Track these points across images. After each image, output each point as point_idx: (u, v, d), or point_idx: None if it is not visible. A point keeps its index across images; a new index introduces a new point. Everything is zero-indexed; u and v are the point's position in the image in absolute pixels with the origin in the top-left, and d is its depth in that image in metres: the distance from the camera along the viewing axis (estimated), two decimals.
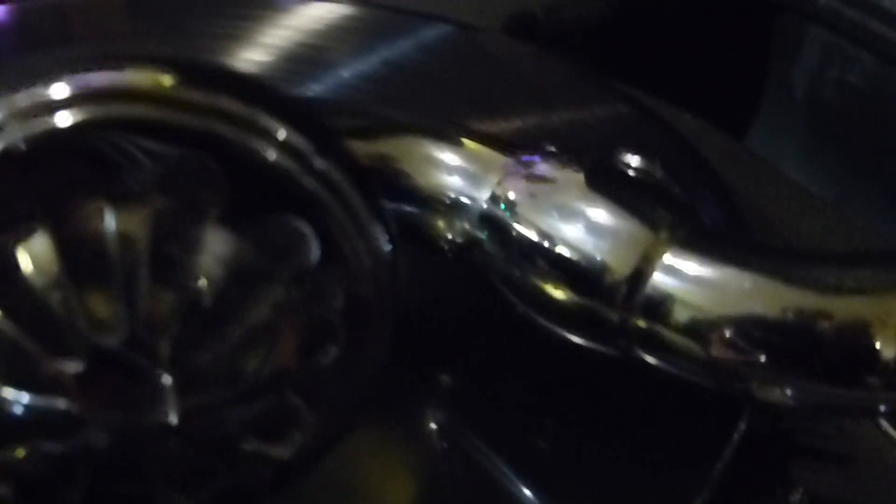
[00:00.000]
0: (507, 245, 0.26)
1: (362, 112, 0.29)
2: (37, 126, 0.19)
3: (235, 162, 0.19)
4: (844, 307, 0.24)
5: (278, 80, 0.38)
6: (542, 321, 0.26)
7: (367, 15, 0.44)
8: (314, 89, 0.38)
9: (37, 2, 0.44)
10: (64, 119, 0.19)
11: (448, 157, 0.28)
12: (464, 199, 0.27)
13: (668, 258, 0.25)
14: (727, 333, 0.24)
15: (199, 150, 0.19)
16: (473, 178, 0.27)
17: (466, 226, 0.27)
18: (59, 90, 0.19)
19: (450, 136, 0.28)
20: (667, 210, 0.25)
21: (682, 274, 0.25)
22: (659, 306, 0.25)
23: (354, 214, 0.21)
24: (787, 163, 0.56)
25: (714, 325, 0.24)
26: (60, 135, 0.19)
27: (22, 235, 0.19)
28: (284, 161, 0.20)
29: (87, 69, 0.19)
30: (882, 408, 0.24)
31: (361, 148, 0.28)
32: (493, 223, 0.27)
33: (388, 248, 0.21)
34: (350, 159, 0.21)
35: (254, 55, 0.39)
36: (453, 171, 0.28)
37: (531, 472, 0.28)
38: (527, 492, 0.28)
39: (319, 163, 0.20)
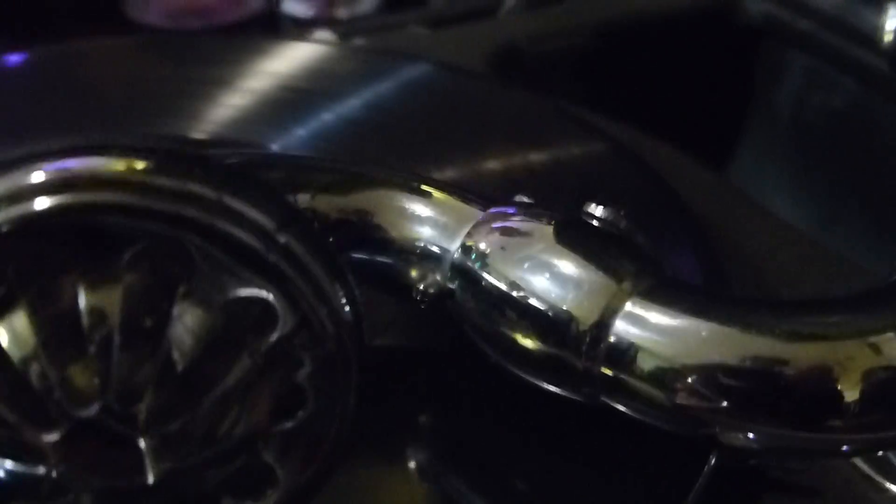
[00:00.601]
0: (478, 295, 0.27)
1: (335, 168, 0.29)
2: (19, 210, 0.20)
3: (204, 241, 0.20)
4: (804, 353, 0.24)
5: (261, 124, 0.39)
6: (512, 369, 0.27)
7: (349, 55, 0.45)
8: (296, 134, 0.39)
9: (51, 47, 0.45)
10: (43, 203, 0.20)
11: (420, 209, 0.29)
12: (436, 250, 0.28)
13: (631, 308, 0.26)
14: (690, 381, 0.25)
15: (169, 232, 0.20)
16: (445, 230, 0.28)
17: (438, 277, 0.28)
18: (39, 177, 0.20)
19: (421, 189, 0.29)
20: (630, 261, 0.26)
21: (644, 323, 0.25)
22: (622, 355, 0.25)
23: (316, 283, 0.22)
24: (772, 187, 0.57)
25: (677, 373, 0.25)
26: (39, 218, 0.20)
27: (1, 311, 0.20)
28: (249, 239, 0.21)
29: (65, 157, 0.20)
30: (845, 448, 0.25)
31: (335, 202, 0.29)
32: (464, 274, 0.28)
33: (350, 311, 0.22)
34: (310, 231, 0.22)
35: (238, 100, 0.40)
36: (425, 222, 0.29)
37: None
38: None
39: (282, 238, 0.21)
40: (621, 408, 0.26)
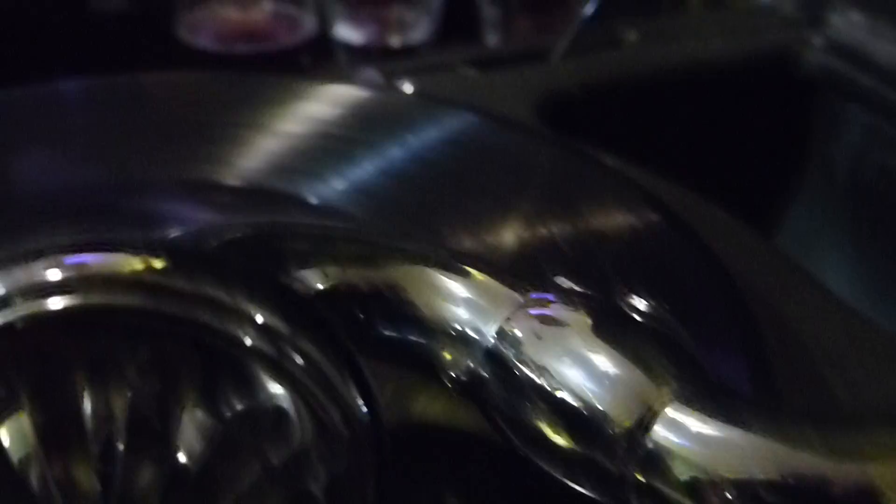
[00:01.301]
0: (510, 384, 0.26)
1: (369, 240, 0.29)
2: (32, 307, 0.19)
3: (215, 346, 0.19)
4: (849, 473, 0.23)
5: (300, 173, 0.39)
6: (541, 464, 0.26)
7: (395, 103, 0.44)
8: (335, 186, 0.38)
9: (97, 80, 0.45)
10: (56, 303, 0.19)
11: (456, 288, 0.28)
12: (470, 334, 0.27)
13: (671, 414, 0.24)
14: (727, 494, 0.24)
15: (181, 335, 0.19)
16: (481, 313, 0.27)
17: (471, 363, 0.27)
18: (54, 274, 0.19)
19: (459, 268, 0.28)
20: (672, 363, 0.25)
21: (684, 431, 0.24)
22: (659, 462, 0.24)
23: (331, 388, 0.21)
24: (825, 250, 0.55)
25: (715, 485, 0.24)
26: (53, 318, 0.19)
27: (4, 412, 0.19)
28: (260, 343, 0.20)
29: (80, 252, 0.19)
30: None
31: (367, 275, 0.28)
32: (497, 361, 0.27)
33: (367, 414, 0.21)
34: (325, 332, 0.21)
35: (276, 146, 0.40)
36: (461, 303, 0.28)
37: None
38: None
39: (295, 343, 0.20)
40: None
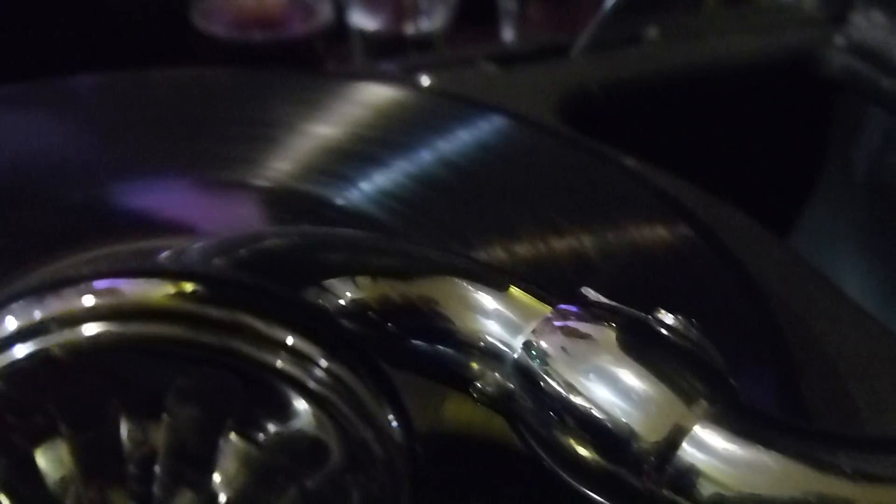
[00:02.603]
0: (537, 399, 0.26)
1: (400, 250, 0.29)
2: (69, 336, 0.19)
3: (250, 372, 0.20)
4: (874, 497, 0.23)
5: (328, 175, 0.39)
6: (567, 478, 0.26)
7: (423, 102, 0.44)
8: (363, 188, 0.38)
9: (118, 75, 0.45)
10: (91, 330, 0.19)
11: (486, 300, 0.28)
12: (499, 346, 0.27)
13: (699, 432, 0.25)
14: None
15: (217, 363, 0.19)
16: (510, 326, 0.27)
17: (499, 376, 0.27)
18: (89, 300, 0.20)
19: (488, 279, 0.28)
20: (701, 381, 0.25)
21: (711, 450, 0.24)
22: (686, 481, 0.24)
23: (362, 408, 0.21)
24: (842, 250, 0.55)
25: None
26: (85, 345, 0.19)
27: (42, 437, 0.20)
28: (293, 369, 0.20)
29: (116, 278, 0.20)
30: None
31: (398, 287, 0.28)
32: (524, 373, 0.27)
33: (400, 432, 0.22)
34: (360, 353, 0.21)
35: (304, 146, 0.40)
36: (490, 315, 0.28)
37: None
38: None
39: (327, 365, 0.20)
40: None
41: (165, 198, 0.37)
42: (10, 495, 0.20)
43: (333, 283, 0.27)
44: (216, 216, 0.36)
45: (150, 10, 0.72)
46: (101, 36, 0.68)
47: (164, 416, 0.20)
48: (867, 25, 0.55)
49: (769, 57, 0.56)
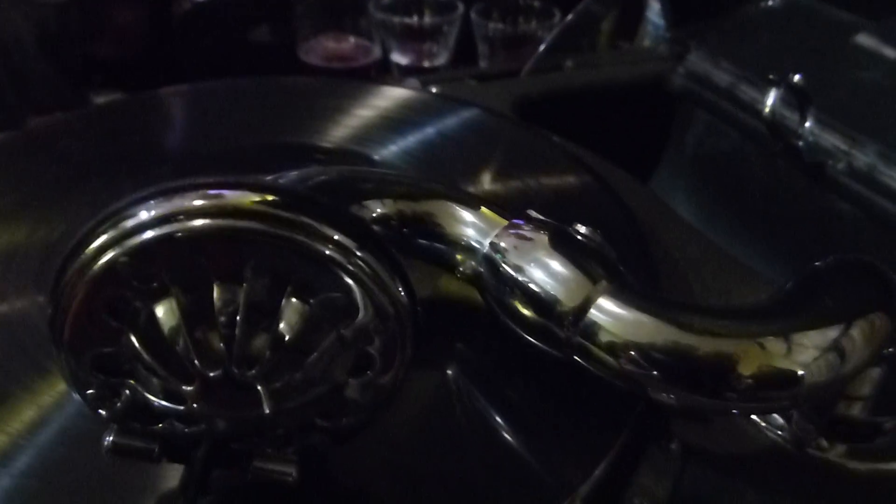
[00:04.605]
0: (497, 278, 0.23)
1: (411, 182, 0.25)
2: (186, 225, 0.16)
3: (307, 255, 0.16)
4: (713, 345, 0.20)
5: (369, 141, 0.34)
6: (514, 329, 0.23)
7: (427, 100, 0.40)
8: (391, 149, 0.34)
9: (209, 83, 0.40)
10: (203, 221, 0.15)
11: (466, 215, 0.24)
12: (474, 244, 0.24)
13: (601, 301, 0.21)
14: (633, 354, 0.20)
15: (284, 248, 0.16)
16: (481, 231, 0.24)
17: (473, 263, 0.23)
18: (203, 201, 0.16)
19: (467, 202, 0.24)
20: (604, 267, 0.22)
21: (609, 312, 0.21)
22: (591, 331, 0.21)
23: (382, 283, 0.17)
24: (680, 197, 0.51)
25: (626, 348, 0.20)
26: (199, 232, 0.15)
27: (160, 297, 0.16)
28: (336, 255, 0.16)
29: (218, 188, 0.16)
30: (734, 411, 0.21)
31: (410, 206, 0.24)
32: (489, 262, 0.23)
33: (406, 296, 0.18)
34: (378, 244, 0.17)
35: (354, 123, 0.35)
36: (469, 225, 0.24)
37: (503, 411, 0.24)
38: (499, 420, 0.24)
39: (359, 253, 0.17)
40: (587, 366, 0.22)
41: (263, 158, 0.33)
42: (140, 340, 0.16)
43: (368, 202, 0.23)
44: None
45: (274, 48, 0.67)
46: (245, 61, 0.64)
47: (244, 283, 0.16)
48: (697, 61, 0.50)
49: (638, 79, 0.52)
